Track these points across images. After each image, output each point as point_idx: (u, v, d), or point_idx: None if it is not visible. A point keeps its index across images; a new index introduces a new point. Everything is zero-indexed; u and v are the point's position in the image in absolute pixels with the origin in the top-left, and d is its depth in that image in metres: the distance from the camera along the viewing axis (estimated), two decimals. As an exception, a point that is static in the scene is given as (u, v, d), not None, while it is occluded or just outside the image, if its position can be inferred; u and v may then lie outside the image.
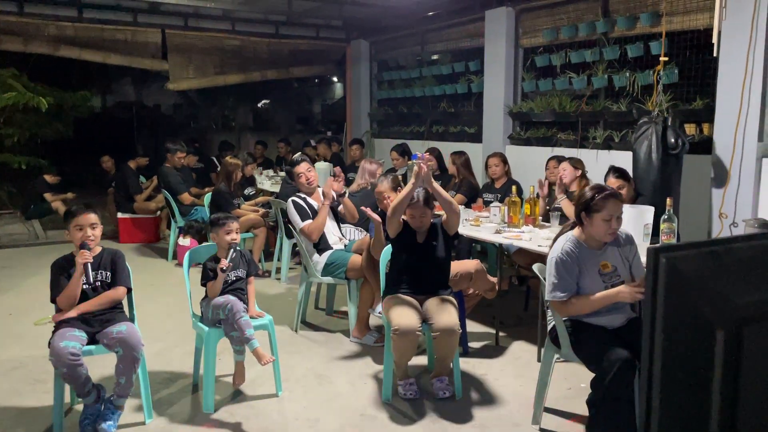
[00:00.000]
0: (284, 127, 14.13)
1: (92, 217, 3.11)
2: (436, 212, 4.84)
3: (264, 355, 3.18)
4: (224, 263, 3.35)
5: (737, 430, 0.61)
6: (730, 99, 4.47)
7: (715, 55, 4.35)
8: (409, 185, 3.42)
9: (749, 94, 4.36)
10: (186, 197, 6.65)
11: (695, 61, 5.09)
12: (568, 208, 4.63)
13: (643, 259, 3.26)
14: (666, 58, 4.88)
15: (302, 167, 4.64)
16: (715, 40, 4.25)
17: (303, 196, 4.57)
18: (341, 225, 4.74)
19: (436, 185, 3.43)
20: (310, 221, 4.37)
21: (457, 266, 3.90)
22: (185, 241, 6.38)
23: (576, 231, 2.91)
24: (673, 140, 4.33)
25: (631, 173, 4.34)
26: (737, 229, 4.43)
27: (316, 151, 8.50)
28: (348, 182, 5.98)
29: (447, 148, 7.10)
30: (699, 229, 4.72)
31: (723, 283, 0.61)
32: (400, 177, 4.82)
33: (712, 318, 0.59)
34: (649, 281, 0.62)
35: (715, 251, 0.62)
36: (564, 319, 2.92)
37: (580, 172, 4.75)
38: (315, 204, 4.54)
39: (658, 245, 0.65)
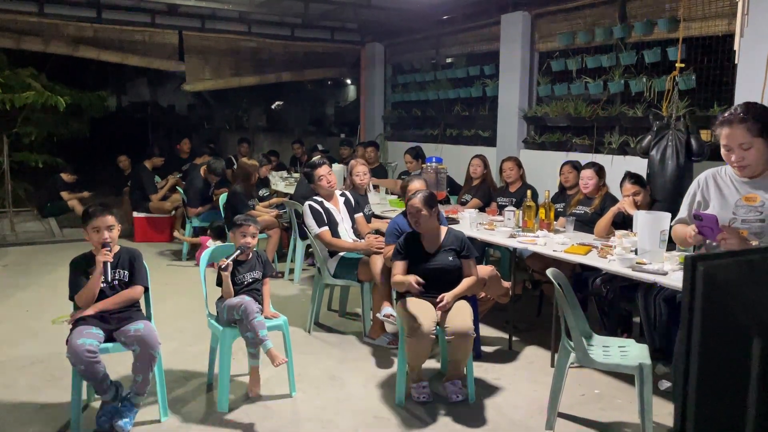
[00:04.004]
0: (297, 128, 14.19)
1: (109, 219, 3.13)
2: (451, 215, 4.84)
3: (277, 356, 3.20)
4: (223, 261, 3.36)
5: (772, 438, 0.62)
6: (749, 106, 4.43)
7: (736, 62, 4.33)
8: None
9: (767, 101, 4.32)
10: (192, 211, 6.75)
11: (713, 67, 5.06)
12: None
13: (672, 271, 3.22)
14: (683, 64, 4.85)
15: (323, 170, 4.58)
16: (737, 46, 4.23)
17: (320, 200, 4.55)
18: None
19: (453, 293, 3.43)
20: (326, 228, 4.38)
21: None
22: (214, 244, 6.40)
23: None
24: (696, 147, 4.32)
25: (646, 179, 4.32)
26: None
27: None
28: None
29: (461, 151, 7.12)
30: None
31: (759, 291, 0.61)
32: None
33: (749, 326, 0.60)
34: (686, 289, 0.63)
35: (752, 260, 0.62)
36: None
37: (603, 180, 4.69)
38: (332, 208, 4.54)
39: (694, 254, 0.65)
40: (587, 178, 4.64)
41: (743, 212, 2.50)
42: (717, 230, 2.43)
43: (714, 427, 0.60)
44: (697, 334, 0.59)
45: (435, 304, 3.41)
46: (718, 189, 2.58)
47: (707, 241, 2.51)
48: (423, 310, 3.36)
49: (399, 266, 3.57)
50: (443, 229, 3.66)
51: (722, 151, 2.48)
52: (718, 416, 0.60)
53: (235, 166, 7.17)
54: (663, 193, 4.36)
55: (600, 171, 4.68)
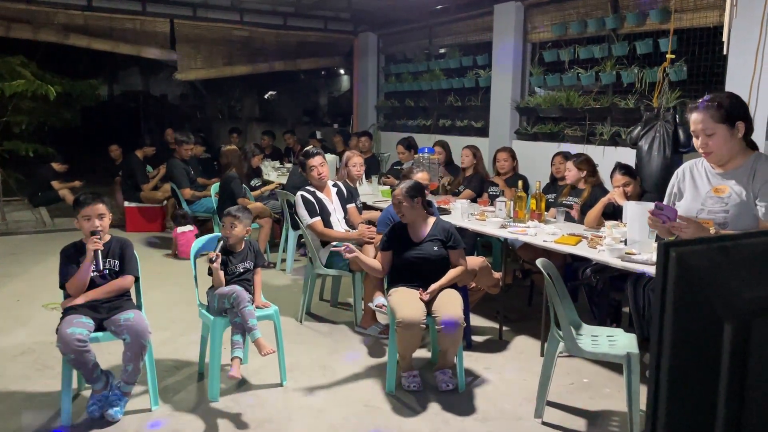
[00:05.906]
0: (290, 118, 14.14)
1: (100, 208, 3.13)
2: (443, 206, 4.85)
3: (265, 346, 3.20)
4: (212, 254, 3.38)
5: (742, 423, 0.62)
6: (739, 97, 4.46)
7: (725, 53, 4.34)
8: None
9: (757, 92, 4.35)
10: (186, 192, 6.69)
11: (704, 58, 5.08)
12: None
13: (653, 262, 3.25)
14: (673, 56, 4.86)
15: (316, 161, 4.57)
16: (725, 38, 4.25)
17: (312, 190, 4.54)
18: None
19: (438, 284, 3.46)
20: (318, 218, 4.38)
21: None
22: (184, 228, 6.40)
23: None
24: (684, 138, 4.34)
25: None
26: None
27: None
28: None
29: (453, 141, 7.11)
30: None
31: (732, 277, 0.62)
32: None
33: (721, 312, 0.61)
34: (658, 275, 0.64)
35: (725, 247, 0.63)
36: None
37: (584, 172, 4.69)
38: (324, 198, 4.54)
39: (667, 240, 0.66)
40: (567, 169, 4.73)
41: (710, 203, 2.56)
42: (674, 219, 2.47)
43: (686, 409, 0.61)
44: (670, 320, 0.60)
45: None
46: (692, 181, 2.65)
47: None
48: (412, 300, 3.38)
49: (380, 255, 3.69)
50: (431, 220, 3.68)
51: (693, 138, 2.55)
52: (691, 399, 0.61)
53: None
54: (650, 183, 4.39)
55: (581, 164, 4.67)
